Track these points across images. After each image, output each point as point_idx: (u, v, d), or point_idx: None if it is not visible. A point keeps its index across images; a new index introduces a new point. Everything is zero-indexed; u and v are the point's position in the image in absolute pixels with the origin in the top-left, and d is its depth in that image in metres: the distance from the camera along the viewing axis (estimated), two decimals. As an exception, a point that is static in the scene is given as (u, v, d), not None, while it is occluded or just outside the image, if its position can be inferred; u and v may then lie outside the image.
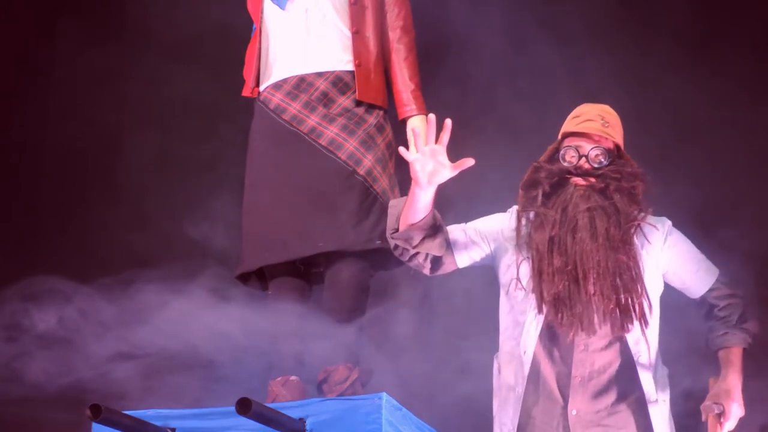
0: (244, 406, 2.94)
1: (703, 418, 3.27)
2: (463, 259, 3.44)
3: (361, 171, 3.78)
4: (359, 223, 3.73)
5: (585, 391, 3.29)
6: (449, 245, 3.40)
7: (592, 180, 3.32)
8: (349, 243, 3.72)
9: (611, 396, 3.30)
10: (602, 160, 3.33)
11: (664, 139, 4.57)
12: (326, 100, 3.85)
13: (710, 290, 3.43)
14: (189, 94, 5.12)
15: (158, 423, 3.26)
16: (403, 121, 3.95)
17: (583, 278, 3.23)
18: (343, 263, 3.75)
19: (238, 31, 4.18)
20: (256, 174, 3.88)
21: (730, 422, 3.27)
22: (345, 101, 3.86)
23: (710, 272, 3.44)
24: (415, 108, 3.94)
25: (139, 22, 5.17)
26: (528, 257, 3.32)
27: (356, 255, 3.75)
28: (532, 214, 3.34)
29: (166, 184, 5.09)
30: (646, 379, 3.30)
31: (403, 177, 3.93)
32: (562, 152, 3.36)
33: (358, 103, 3.86)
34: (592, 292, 3.23)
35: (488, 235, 3.43)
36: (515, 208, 3.43)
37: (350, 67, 3.89)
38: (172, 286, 3.58)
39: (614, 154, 3.36)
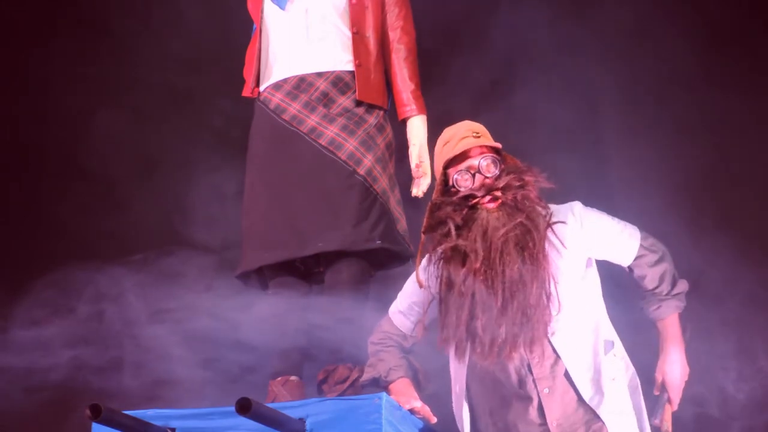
0: (244, 406, 2.93)
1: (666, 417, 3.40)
2: (421, 330, 3.50)
3: (361, 171, 3.78)
4: (359, 223, 3.73)
5: (554, 397, 3.27)
6: (411, 344, 3.54)
7: (498, 194, 3.23)
8: (349, 243, 3.72)
9: (574, 393, 3.28)
10: (493, 168, 3.25)
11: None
12: (326, 100, 3.85)
13: (636, 258, 3.39)
14: (187, 92, 5.13)
15: (158, 423, 3.26)
16: (403, 121, 3.95)
17: (510, 303, 3.17)
18: (343, 263, 3.76)
19: (236, 31, 4.19)
20: (256, 174, 3.88)
21: (675, 396, 3.39)
22: (345, 101, 3.86)
23: (633, 237, 3.39)
24: (415, 108, 3.94)
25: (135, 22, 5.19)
26: (442, 297, 3.27)
27: (356, 255, 3.75)
28: (442, 252, 3.24)
29: (164, 182, 5.10)
30: (578, 375, 3.26)
31: (403, 177, 3.94)
32: (454, 180, 3.27)
33: (358, 103, 3.87)
34: (515, 311, 3.18)
35: (425, 302, 3.41)
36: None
37: (350, 67, 3.89)
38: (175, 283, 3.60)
39: (499, 159, 3.27)
